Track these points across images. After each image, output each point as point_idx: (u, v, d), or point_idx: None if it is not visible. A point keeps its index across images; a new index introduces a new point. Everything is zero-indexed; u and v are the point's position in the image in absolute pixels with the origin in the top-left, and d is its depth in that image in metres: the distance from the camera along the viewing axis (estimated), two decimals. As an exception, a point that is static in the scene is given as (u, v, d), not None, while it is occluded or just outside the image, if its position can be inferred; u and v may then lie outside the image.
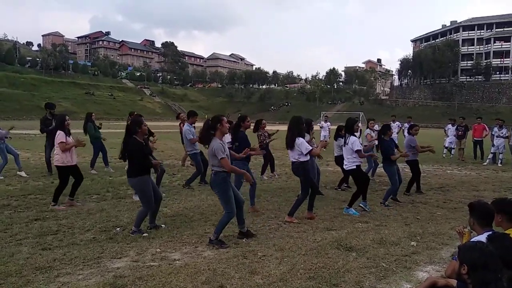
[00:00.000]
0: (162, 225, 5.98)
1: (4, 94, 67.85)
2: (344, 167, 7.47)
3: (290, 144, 6.44)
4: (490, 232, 3.26)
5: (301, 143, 6.36)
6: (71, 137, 7.32)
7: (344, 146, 7.33)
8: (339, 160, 9.27)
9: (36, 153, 14.68)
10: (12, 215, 6.48)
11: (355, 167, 7.21)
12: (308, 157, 6.47)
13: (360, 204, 7.34)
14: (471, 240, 3.07)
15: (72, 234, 5.54)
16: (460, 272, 2.55)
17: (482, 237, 3.16)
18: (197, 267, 4.35)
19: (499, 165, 14.38)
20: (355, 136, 7.40)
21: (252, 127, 8.45)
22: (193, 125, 9.53)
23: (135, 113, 8.96)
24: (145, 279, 4.03)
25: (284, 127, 9.83)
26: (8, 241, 5.19)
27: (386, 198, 7.90)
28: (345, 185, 9.45)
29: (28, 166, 11.54)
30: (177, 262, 4.57)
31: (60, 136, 7.07)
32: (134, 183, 5.70)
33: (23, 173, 10.10)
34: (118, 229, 5.76)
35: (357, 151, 7.10)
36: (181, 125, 10.68)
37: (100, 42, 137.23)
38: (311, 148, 6.44)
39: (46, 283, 3.94)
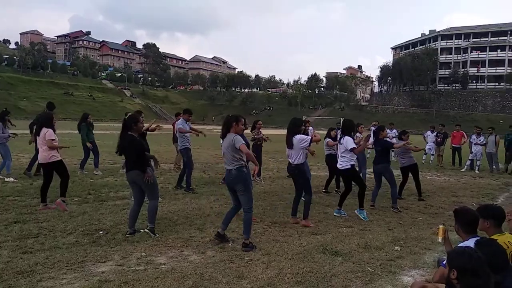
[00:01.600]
0: (141, 230, 5.85)
1: (-21, 92, 66.00)
2: (338, 166, 7.52)
3: (289, 144, 6.56)
4: (476, 238, 3.33)
5: (299, 138, 6.49)
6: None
7: (339, 145, 7.46)
8: (328, 158, 9.47)
9: (13, 154, 14.26)
10: (-10, 217, 6.29)
11: (349, 166, 7.29)
12: (304, 160, 6.58)
13: (334, 212, 7.42)
14: (459, 245, 3.13)
15: (54, 237, 5.41)
16: (449, 277, 2.59)
17: (468, 243, 3.22)
18: (183, 272, 4.31)
19: (477, 171, 14.74)
20: (351, 136, 7.49)
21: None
22: (187, 122, 9.41)
23: (129, 113, 8.74)
24: (131, 283, 3.97)
25: (266, 131, 9.95)
26: (-14, 244, 5.04)
27: (394, 201, 8.10)
28: (336, 190, 9.60)
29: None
30: (163, 266, 4.52)
31: (48, 133, 6.97)
32: (133, 177, 5.64)
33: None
34: (101, 232, 5.66)
35: (352, 149, 7.17)
36: (174, 124, 10.54)
37: (80, 42, 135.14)
38: (309, 137, 6.55)
39: (29, 287, 3.84)
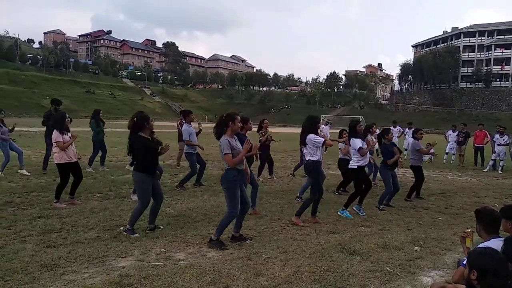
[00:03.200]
0: (161, 227, 5.95)
1: (4, 91, 67.71)
2: (349, 166, 7.57)
3: (303, 141, 6.53)
4: (498, 238, 3.28)
5: (313, 137, 6.43)
6: (69, 134, 7.33)
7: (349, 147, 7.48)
8: (340, 162, 9.37)
9: (37, 150, 14.66)
10: (15, 212, 6.48)
11: (355, 167, 7.30)
12: (320, 157, 6.51)
13: (354, 208, 7.39)
14: (479, 246, 3.09)
15: (76, 232, 5.55)
16: (469, 277, 2.56)
17: (489, 243, 3.18)
18: (202, 268, 4.36)
19: (500, 172, 14.41)
20: (358, 136, 7.50)
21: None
22: (190, 124, 9.47)
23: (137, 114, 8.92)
24: (151, 278, 4.03)
25: (283, 130, 9.95)
26: (12, 238, 5.20)
27: (380, 202, 7.96)
28: (342, 189, 9.47)
29: (29, 163, 11.53)
30: (182, 262, 4.58)
31: (55, 135, 7.10)
32: (137, 178, 5.67)
33: (24, 171, 10.08)
34: (122, 228, 5.76)
35: (359, 149, 7.17)
36: (179, 123, 10.56)
37: (102, 41, 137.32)
38: (323, 139, 6.49)
39: (52, 280, 3.95)
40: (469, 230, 3.71)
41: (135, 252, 4.87)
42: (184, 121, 9.66)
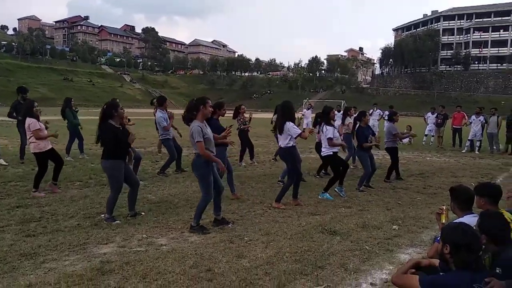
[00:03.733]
0: (142, 213, 5.92)
1: (-22, 79, 65.86)
2: (322, 153, 7.61)
3: (280, 129, 6.49)
4: (472, 215, 3.38)
5: (291, 127, 6.39)
6: (42, 122, 7.18)
7: (321, 133, 7.48)
8: (318, 146, 9.42)
9: (14, 140, 14.33)
10: (-7, 202, 6.36)
11: (331, 153, 7.37)
12: (294, 142, 6.52)
13: (335, 189, 7.49)
14: (453, 221, 3.18)
15: (56, 221, 5.49)
16: (442, 252, 2.64)
17: (463, 219, 3.27)
18: (184, 252, 4.38)
19: (477, 152, 14.76)
20: (332, 123, 7.53)
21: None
22: (165, 110, 9.32)
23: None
24: (133, 264, 4.04)
25: (266, 115, 9.96)
26: (-10, 228, 5.12)
27: (360, 184, 8.09)
28: (323, 172, 9.56)
29: (6, 153, 11.30)
30: (164, 247, 4.59)
31: (33, 123, 6.92)
32: (105, 166, 5.58)
33: (1, 161, 9.87)
34: (102, 215, 5.71)
35: (328, 139, 7.23)
36: (155, 111, 10.46)
37: (79, 27, 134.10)
38: (300, 131, 6.46)
39: (33, 269, 3.92)
40: (444, 207, 3.80)
41: (117, 238, 4.85)
42: (159, 108, 9.44)
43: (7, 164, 9.75)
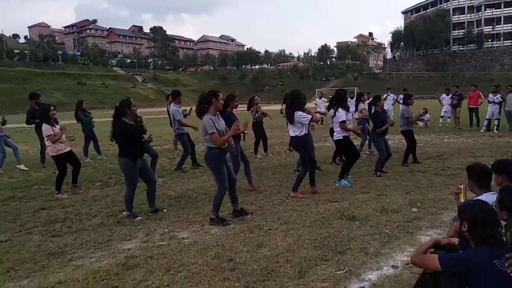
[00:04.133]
0: (164, 209, 6.02)
1: (-5, 88, 67.20)
2: (333, 138, 7.59)
3: (290, 118, 6.50)
4: (490, 192, 3.37)
5: (299, 116, 6.38)
6: (58, 126, 7.31)
7: (334, 117, 7.42)
8: (332, 132, 9.38)
9: (34, 145, 14.66)
10: (18, 206, 6.57)
11: (341, 137, 7.31)
12: (306, 131, 6.52)
13: (336, 183, 7.37)
14: (470, 199, 3.17)
15: (80, 221, 5.64)
16: (461, 230, 2.65)
17: (482, 197, 3.26)
18: (205, 244, 4.47)
19: (495, 131, 14.52)
20: (347, 106, 7.45)
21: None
22: (179, 104, 9.39)
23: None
24: (156, 257, 4.14)
25: (279, 107, 9.96)
26: (17, 230, 5.29)
27: (377, 169, 8.05)
28: (339, 159, 9.53)
29: (28, 158, 11.59)
30: (185, 240, 4.69)
31: (45, 129, 7.06)
32: (121, 163, 5.70)
33: (22, 166, 10.11)
34: (124, 213, 5.84)
35: (340, 123, 7.16)
36: (168, 106, 10.56)
37: (88, 31, 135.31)
38: (310, 116, 6.42)
39: (61, 267, 4.05)
40: (461, 186, 3.79)
41: (139, 234, 4.97)
42: (173, 102, 9.51)
43: (27, 169, 9.99)
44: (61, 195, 7.06)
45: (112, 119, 5.65)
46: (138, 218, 5.60)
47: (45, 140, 7.30)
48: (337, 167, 8.98)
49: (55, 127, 7.19)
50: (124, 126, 5.53)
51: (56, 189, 7.15)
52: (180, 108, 9.28)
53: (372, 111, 8.32)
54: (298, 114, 6.38)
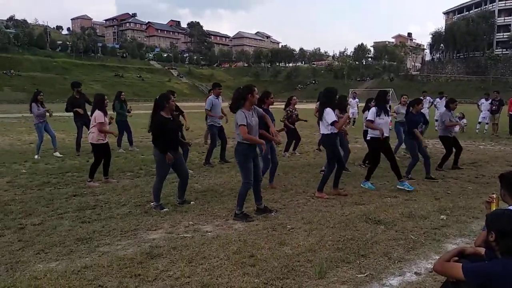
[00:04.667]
0: (192, 202, 6.13)
1: (38, 78, 70.07)
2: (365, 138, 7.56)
3: (320, 115, 6.47)
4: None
5: (328, 113, 6.35)
6: (107, 116, 7.58)
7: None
8: (365, 134, 9.23)
9: (70, 134, 15.21)
10: (52, 191, 6.83)
11: (369, 138, 7.24)
12: (335, 130, 6.46)
13: (362, 185, 7.29)
14: (499, 208, 3.06)
15: (109, 209, 5.81)
16: (488, 239, 2.56)
17: (514, 208, 3.14)
18: (228, 238, 4.51)
19: (536, 139, 13.89)
20: (385, 106, 7.30)
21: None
22: (218, 97, 9.47)
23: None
24: (179, 249, 4.22)
25: (312, 106, 9.93)
26: (50, 215, 5.51)
27: (408, 172, 7.92)
28: (367, 162, 9.37)
29: (64, 146, 12.02)
30: (209, 233, 4.75)
31: (98, 116, 7.29)
32: (155, 153, 5.85)
33: (57, 154, 10.47)
34: (152, 203, 5.98)
35: (367, 121, 7.09)
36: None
37: (127, 24, 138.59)
38: (335, 119, 6.35)
39: (88, 252, 4.20)
40: (494, 195, 3.65)
41: (165, 225, 5.08)
42: (213, 94, 9.59)
43: (62, 156, 10.34)
44: (93, 183, 7.29)
45: (151, 111, 5.82)
46: (164, 209, 5.71)
47: (91, 125, 7.51)
48: (365, 170, 8.84)
49: (105, 117, 7.44)
50: (159, 119, 5.68)
51: (89, 177, 7.40)
52: (219, 100, 9.40)
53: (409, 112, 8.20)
54: (327, 111, 6.36)
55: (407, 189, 6.90)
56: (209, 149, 9.44)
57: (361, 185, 7.23)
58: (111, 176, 7.78)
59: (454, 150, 8.95)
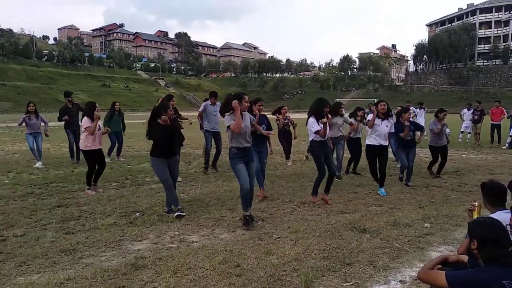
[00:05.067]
0: (177, 213, 6.09)
1: (23, 87, 69.22)
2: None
3: (306, 122, 6.59)
4: (505, 211, 3.30)
5: (310, 123, 6.46)
6: (105, 129, 7.66)
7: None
8: (348, 142, 9.32)
9: (55, 144, 15.04)
10: (36, 202, 6.72)
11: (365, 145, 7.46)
12: (317, 137, 6.45)
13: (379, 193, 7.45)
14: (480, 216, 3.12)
15: (94, 219, 5.74)
16: (470, 247, 2.60)
17: (495, 216, 3.20)
18: (214, 248, 4.49)
19: (517, 149, 14.16)
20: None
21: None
22: (213, 105, 9.42)
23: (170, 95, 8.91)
24: (165, 259, 4.19)
25: (298, 115, 10.00)
26: (33, 226, 5.41)
27: (406, 178, 8.24)
28: (352, 171, 9.48)
29: (49, 156, 11.87)
30: (195, 243, 4.73)
31: (85, 121, 7.30)
32: (151, 162, 5.99)
33: (38, 164, 10.19)
34: (137, 214, 5.94)
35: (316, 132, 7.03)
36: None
37: (115, 34, 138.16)
38: (317, 128, 6.40)
39: (71, 264, 4.13)
40: (476, 203, 3.72)
41: (150, 235, 5.03)
42: (209, 100, 9.57)
43: (44, 167, 10.11)
44: (90, 191, 7.23)
45: (148, 118, 5.98)
46: (177, 213, 5.75)
47: (81, 131, 7.46)
48: (351, 178, 8.94)
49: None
50: (156, 126, 5.81)
51: (87, 185, 7.40)
52: (215, 107, 9.41)
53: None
54: (310, 121, 6.47)
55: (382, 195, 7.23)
56: (204, 155, 9.59)
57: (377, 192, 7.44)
58: (98, 185, 7.69)
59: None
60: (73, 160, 10.75)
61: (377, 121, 7.42)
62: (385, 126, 7.40)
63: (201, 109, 9.57)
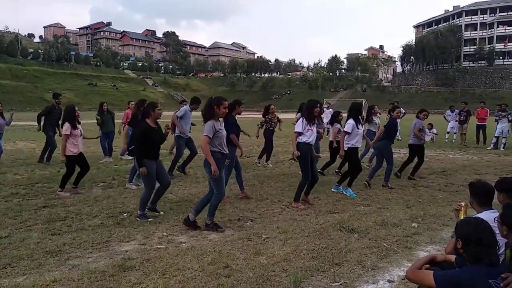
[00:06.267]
0: (162, 212, 6.04)
1: (8, 86, 68.00)
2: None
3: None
4: (491, 210, 3.34)
5: (297, 124, 6.52)
6: (80, 126, 7.43)
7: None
8: (331, 144, 9.35)
9: (41, 143, 14.76)
10: (21, 202, 6.61)
11: (346, 148, 7.43)
12: (304, 139, 6.42)
13: (343, 190, 7.50)
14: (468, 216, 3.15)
15: (80, 220, 5.67)
16: (456, 246, 2.63)
17: (482, 215, 3.23)
18: (203, 249, 4.47)
19: (502, 149, 14.40)
20: (359, 120, 7.56)
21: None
22: (191, 110, 9.18)
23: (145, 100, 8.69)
24: (153, 260, 4.15)
25: (286, 116, 10.02)
26: (18, 227, 5.32)
27: (387, 179, 8.13)
28: (336, 170, 9.52)
29: (34, 156, 11.68)
30: (183, 244, 4.70)
31: (65, 127, 7.19)
32: (142, 164, 5.69)
33: None
34: (125, 214, 5.88)
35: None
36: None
37: (102, 33, 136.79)
38: (299, 130, 6.42)
39: (57, 265, 4.07)
40: (462, 203, 3.76)
41: (138, 236, 4.98)
42: (189, 106, 9.25)
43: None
44: (63, 193, 7.11)
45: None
46: (149, 219, 5.64)
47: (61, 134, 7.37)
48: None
49: (77, 128, 7.29)
50: (144, 127, 5.68)
51: (60, 187, 7.21)
52: (191, 113, 9.20)
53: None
54: (298, 122, 6.52)
55: (348, 194, 7.30)
56: (173, 159, 9.14)
57: (344, 191, 7.44)
58: (81, 187, 7.59)
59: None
60: (42, 161, 10.54)
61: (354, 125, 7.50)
62: (361, 129, 7.66)
63: (180, 113, 9.04)
